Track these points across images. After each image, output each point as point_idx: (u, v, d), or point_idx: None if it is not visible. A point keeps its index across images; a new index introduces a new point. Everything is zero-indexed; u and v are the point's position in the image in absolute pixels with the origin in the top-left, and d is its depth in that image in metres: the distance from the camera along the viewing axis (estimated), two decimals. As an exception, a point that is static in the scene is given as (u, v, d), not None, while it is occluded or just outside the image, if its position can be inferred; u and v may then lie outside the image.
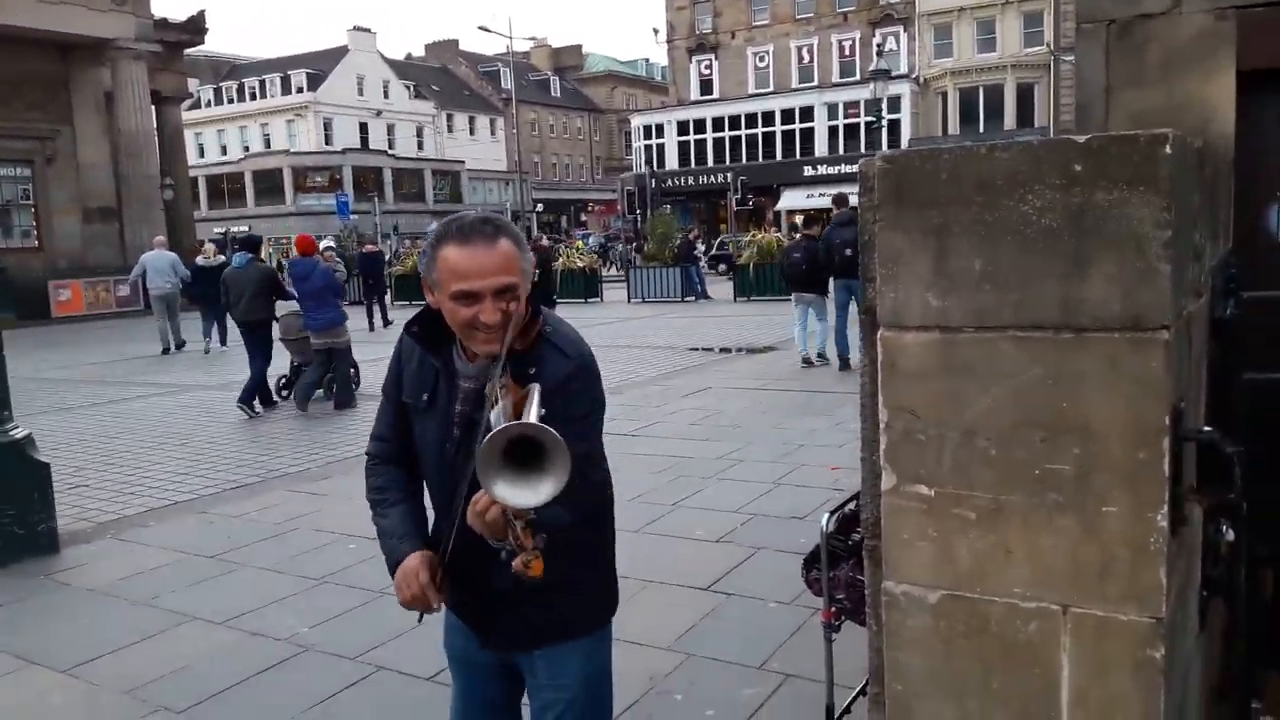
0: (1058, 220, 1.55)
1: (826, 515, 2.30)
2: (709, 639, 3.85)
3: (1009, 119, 38.38)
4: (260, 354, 10.24)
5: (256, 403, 10.13)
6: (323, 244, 12.39)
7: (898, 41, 41.42)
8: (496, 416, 1.63)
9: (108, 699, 3.63)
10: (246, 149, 59.24)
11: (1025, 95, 38.75)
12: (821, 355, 11.38)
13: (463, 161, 62.06)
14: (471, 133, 66.90)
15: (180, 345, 16.58)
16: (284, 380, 10.90)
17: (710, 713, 3.30)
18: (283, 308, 10.57)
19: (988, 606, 1.65)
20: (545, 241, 19.35)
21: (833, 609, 2.29)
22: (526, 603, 1.91)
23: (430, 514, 2.07)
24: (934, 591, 1.69)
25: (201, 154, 58.17)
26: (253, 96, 60.45)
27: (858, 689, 2.46)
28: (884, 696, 1.82)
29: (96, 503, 6.51)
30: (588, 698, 2.06)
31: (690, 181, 44.52)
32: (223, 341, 16.45)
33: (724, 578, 4.49)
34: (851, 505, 2.32)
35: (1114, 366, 1.53)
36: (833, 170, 40.92)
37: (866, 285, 1.78)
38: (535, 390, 1.72)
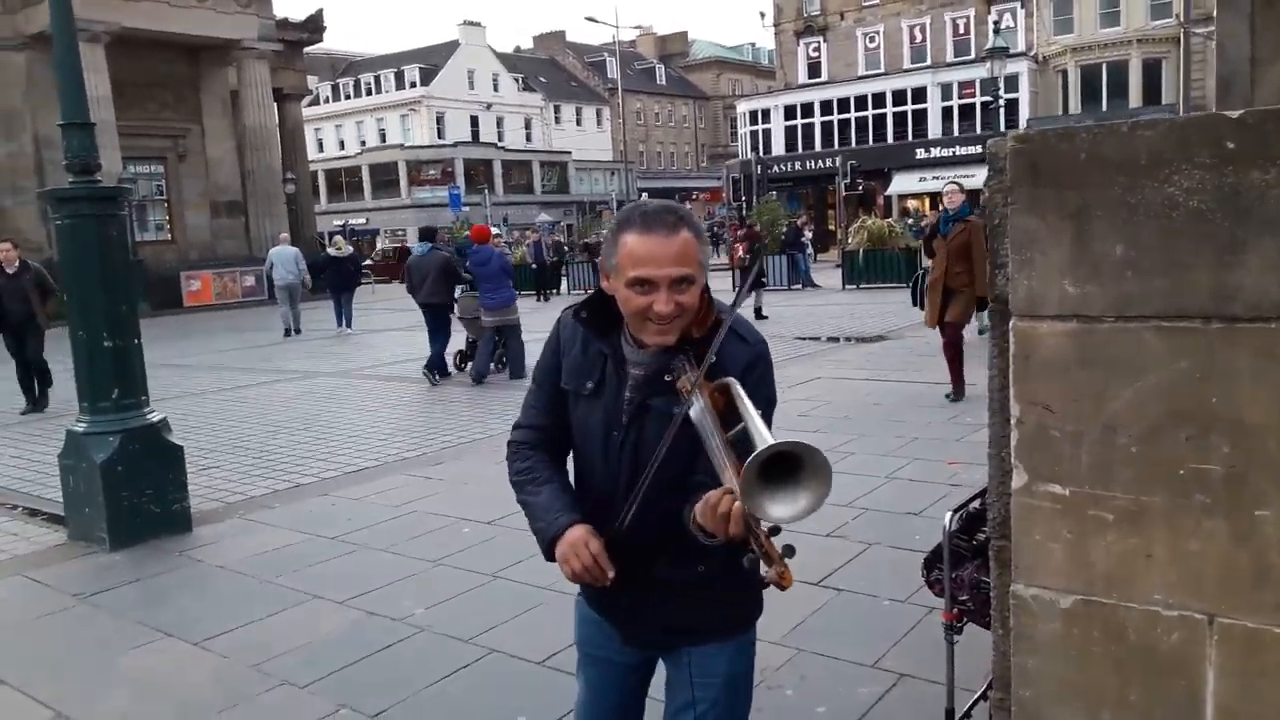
0: (1208, 202, 1.45)
1: (949, 513, 2.21)
2: (820, 634, 3.78)
3: (1134, 97, 36.53)
4: (441, 331, 11.55)
5: (436, 374, 11.33)
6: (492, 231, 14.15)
7: (1014, 18, 39.88)
8: (699, 414, 1.57)
9: (236, 671, 3.80)
10: (363, 143, 61.12)
11: (1152, 71, 36.82)
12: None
13: (569, 152, 62.71)
14: (578, 123, 67.50)
15: (299, 331, 18.09)
16: (459, 355, 11.99)
17: (822, 709, 3.24)
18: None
19: (1126, 613, 1.56)
20: (758, 228, 20.20)
21: (955, 610, 2.21)
22: (682, 598, 1.86)
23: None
24: (1067, 596, 1.61)
25: (320, 149, 60.24)
26: (368, 92, 62.30)
27: (979, 693, 2.37)
28: (1009, 703, 1.74)
29: (225, 484, 6.82)
30: (728, 699, 1.99)
31: (797, 167, 43.85)
32: (349, 324, 18.06)
33: (835, 573, 4.41)
34: (976, 503, 2.23)
35: (1272, 359, 1.42)
36: (946, 153, 39.71)
37: (996, 272, 1.70)
38: (737, 385, 1.65)
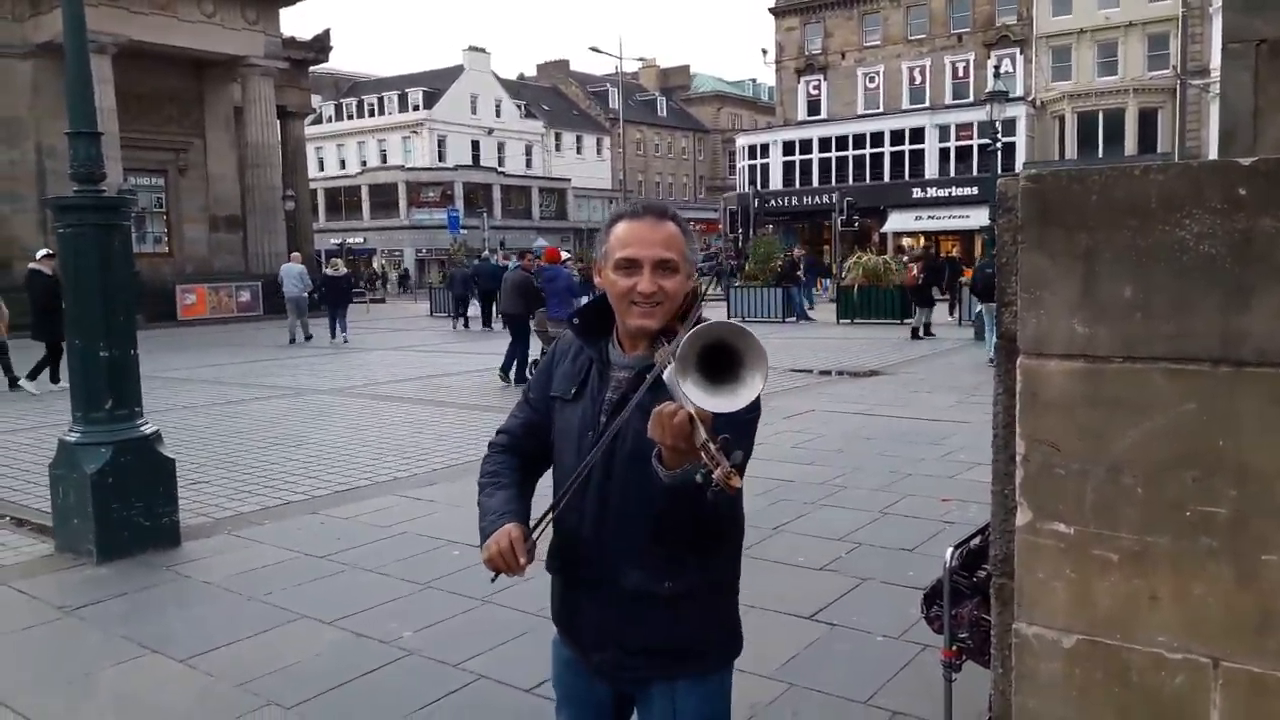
0: (1218, 247, 1.46)
1: (950, 549, 2.21)
2: (812, 670, 3.76)
3: (1130, 144, 36.94)
4: (519, 339, 12.87)
5: (512, 374, 12.72)
6: (562, 254, 15.92)
7: (1014, 63, 40.36)
8: (670, 375, 1.56)
9: (221, 690, 3.75)
10: (364, 163, 61.34)
11: (1148, 120, 37.27)
12: None
13: (569, 179, 63.06)
14: (578, 151, 67.88)
15: (308, 338, 20.26)
16: (534, 364, 12.95)
17: (812, 744, 3.22)
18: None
19: (1129, 655, 1.55)
20: (934, 251, 21.90)
21: (954, 648, 2.20)
22: (652, 614, 1.83)
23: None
24: (1070, 635, 1.60)
25: (321, 167, 60.40)
26: (371, 113, 62.58)
27: (974, 731, 2.36)
28: (1009, 742, 1.73)
29: (215, 499, 6.77)
30: None
31: (794, 201, 44.16)
32: (345, 335, 20.31)
33: (828, 607, 4.39)
34: (977, 540, 2.23)
35: (1278, 404, 1.43)
36: (942, 193, 40.05)
37: (1003, 310, 1.71)
38: None
